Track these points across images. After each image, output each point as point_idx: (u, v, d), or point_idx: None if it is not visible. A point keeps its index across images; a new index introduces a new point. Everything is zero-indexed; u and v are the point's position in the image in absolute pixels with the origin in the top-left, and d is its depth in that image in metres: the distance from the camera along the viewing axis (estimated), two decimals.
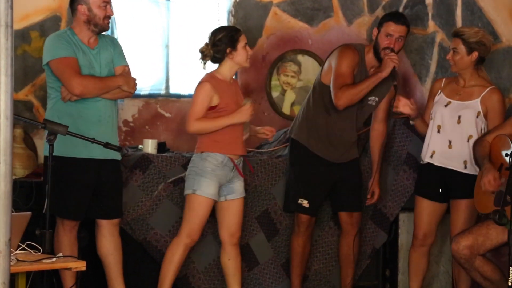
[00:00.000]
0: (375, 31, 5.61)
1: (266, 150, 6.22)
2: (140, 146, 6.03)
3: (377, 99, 5.68)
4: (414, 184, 5.81)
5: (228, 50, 5.27)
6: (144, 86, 6.42)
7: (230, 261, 5.41)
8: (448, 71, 5.87)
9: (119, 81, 5.19)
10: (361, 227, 5.86)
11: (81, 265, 4.04)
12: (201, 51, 5.32)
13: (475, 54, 5.35)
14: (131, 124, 6.43)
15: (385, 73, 5.44)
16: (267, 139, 5.93)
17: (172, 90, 6.58)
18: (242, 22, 6.57)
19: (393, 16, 5.64)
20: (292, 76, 6.74)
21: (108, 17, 5.15)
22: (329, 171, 5.68)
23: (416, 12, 6.38)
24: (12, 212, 2.76)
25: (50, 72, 5.12)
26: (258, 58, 6.64)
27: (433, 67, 6.29)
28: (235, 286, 5.43)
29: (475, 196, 5.06)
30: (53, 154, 4.30)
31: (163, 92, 6.56)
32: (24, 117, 5.10)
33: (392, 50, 5.48)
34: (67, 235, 5.15)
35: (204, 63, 5.34)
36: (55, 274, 5.08)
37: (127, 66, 5.30)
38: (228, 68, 5.35)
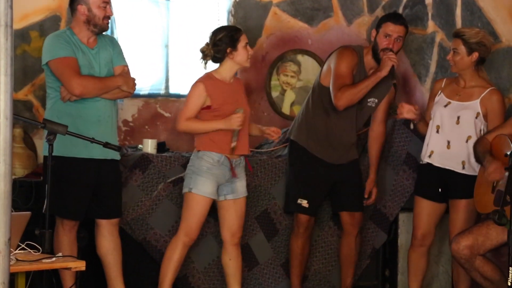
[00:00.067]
0: (373, 33, 5.62)
1: (266, 150, 6.22)
2: (140, 146, 6.03)
3: (376, 100, 5.68)
4: (414, 184, 5.81)
5: (228, 50, 5.27)
6: (143, 86, 6.42)
7: (231, 261, 5.41)
8: (448, 71, 5.87)
9: (119, 81, 5.18)
10: (361, 227, 5.86)
11: (81, 265, 4.04)
12: (202, 51, 5.31)
13: (475, 55, 5.35)
14: (131, 124, 6.43)
15: (384, 72, 5.44)
16: (272, 139, 5.90)
17: (172, 90, 6.58)
18: (242, 22, 6.56)
19: (391, 16, 5.65)
20: (292, 76, 6.74)
21: (107, 17, 5.14)
22: (328, 172, 5.68)
23: (416, 12, 6.38)
24: (12, 211, 2.76)
25: (49, 72, 5.12)
26: (258, 58, 6.63)
27: (432, 67, 6.29)
28: (235, 286, 5.43)
29: (475, 196, 5.07)
30: (53, 154, 4.30)
31: (162, 92, 6.55)
32: (23, 117, 5.09)
33: (391, 51, 5.49)
34: (66, 235, 5.15)
35: (205, 63, 5.34)
36: (55, 274, 5.08)
37: (127, 66, 5.30)
38: (229, 68, 5.34)
